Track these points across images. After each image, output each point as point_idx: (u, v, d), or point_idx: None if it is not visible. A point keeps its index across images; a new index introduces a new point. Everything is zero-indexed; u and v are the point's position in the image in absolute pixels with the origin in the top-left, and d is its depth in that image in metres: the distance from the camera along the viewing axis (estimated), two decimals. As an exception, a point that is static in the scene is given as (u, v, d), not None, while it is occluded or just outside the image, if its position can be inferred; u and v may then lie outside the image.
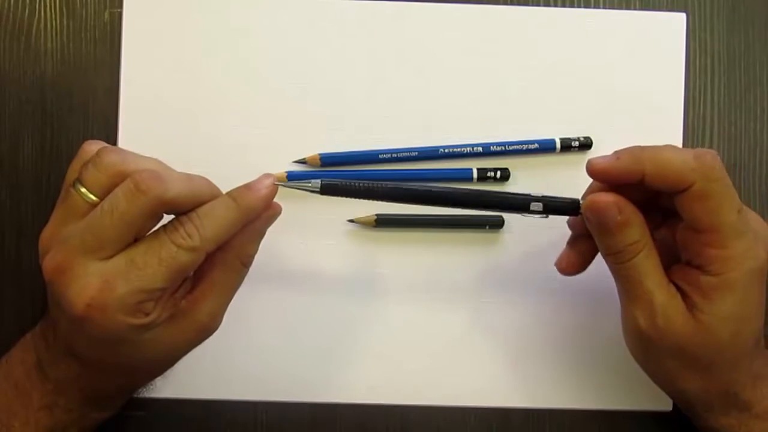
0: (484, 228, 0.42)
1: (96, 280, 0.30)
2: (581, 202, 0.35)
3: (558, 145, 0.42)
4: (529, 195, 0.35)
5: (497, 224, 0.42)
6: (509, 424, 0.42)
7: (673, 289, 0.34)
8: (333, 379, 0.42)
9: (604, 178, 0.34)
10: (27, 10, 0.42)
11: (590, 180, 0.36)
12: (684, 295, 0.33)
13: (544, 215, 0.35)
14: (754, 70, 0.44)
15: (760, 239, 0.33)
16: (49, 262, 0.31)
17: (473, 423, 0.42)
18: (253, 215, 0.33)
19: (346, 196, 0.35)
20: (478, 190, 0.35)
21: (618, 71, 0.43)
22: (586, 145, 0.42)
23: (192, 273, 0.35)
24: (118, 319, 0.31)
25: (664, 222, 0.36)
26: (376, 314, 0.42)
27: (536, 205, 0.35)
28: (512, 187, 0.43)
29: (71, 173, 0.34)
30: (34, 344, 0.36)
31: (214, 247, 0.32)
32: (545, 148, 0.42)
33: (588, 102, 0.43)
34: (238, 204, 0.33)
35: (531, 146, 0.42)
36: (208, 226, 0.32)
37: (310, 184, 0.34)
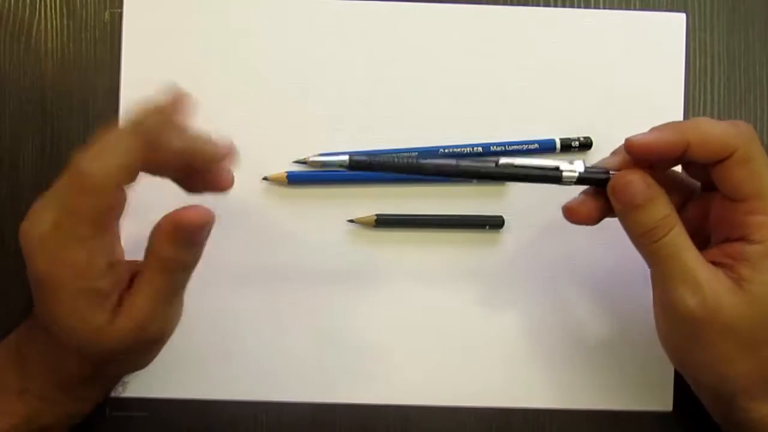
0: (484, 228, 0.42)
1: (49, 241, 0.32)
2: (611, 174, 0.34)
3: (558, 145, 0.42)
4: (558, 169, 0.34)
5: (497, 224, 0.42)
6: (509, 424, 0.42)
7: (711, 265, 0.33)
8: (333, 379, 0.42)
9: (648, 153, 0.33)
10: (27, 10, 0.42)
11: None
12: (729, 271, 0.33)
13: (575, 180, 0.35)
14: (754, 71, 0.44)
15: None
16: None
17: (473, 423, 0.42)
18: (153, 136, 0.32)
19: (375, 171, 0.34)
20: (505, 167, 0.35)
21: (618, 71, 0.43)
22: (586, 145, 0.42)
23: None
24: (69, 275, 0.31)
25: (681, 210, 0.36)
26: (376, 314, 0.42)
27: (570, 175, 0.34)
28: (512, 186, 0.42)
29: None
30: (17, 331, 0.36)
31: (122, 176, 0.31)
32: (545, 148, 0.42)
33: (588, 102, 0.43)
34: (135, 129, 0.32)
35: (531, 146, 0.42)
36: (108, 152, 0.31)
37: (338, 160, 0.34)
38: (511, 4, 0.43)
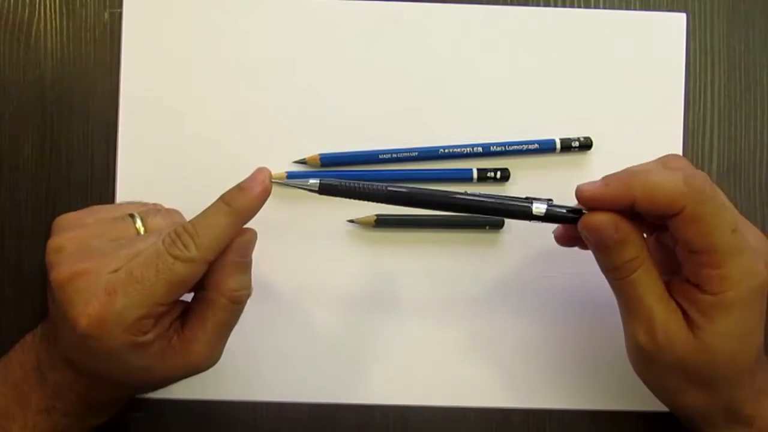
0: (484, 228, 0.42)
1: (101, 292, 0.31)
2: (584, 212, 0.34)
3: (558, 146, 0.42)
4: (528, 200, 0.35)
5: (497, 225, 0.42)
6: (509, 424, 0.42)
7: (673, 304, 0.33)
8: (333, 379, 0.42)
9: (594, 205, 0.33)
10: (27, 10, 0.42)
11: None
12: (684, 312, 0.33)
13: (544, 221, 0.35)
14: (754, 71, 0.44)
15: (760, 256, 0.33)
16: (65, 269, 0.32)
17: (473, 423, 0.42)
18: (249, 216, 0.33)
19: (344, 197, 0.34)
20: (478, 196, 0.35)
21: (618, 71, 0.43)
22: (586, 145, 0.42)
23: (182, 312, 0.35)
24: (116, 334, 0.31)
25: (664, 228, 0.36)
26: (376, 314, 0.42)
27: (538, 210, 0.34)
28: (512, 187, 0.43)
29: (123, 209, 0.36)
30: (34, 346, 0.35)
31: (213, 256, 0.32)
32: (545, 148, 0.42)
33: (588, 102, 0.43)
34: (232, 207, 0.32)
35: (531, 146, 0.42)
36: (204, 235, 0.32)
37: (308, 184, 0.34)
38: (511, 4, 0.43)
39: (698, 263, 0.32)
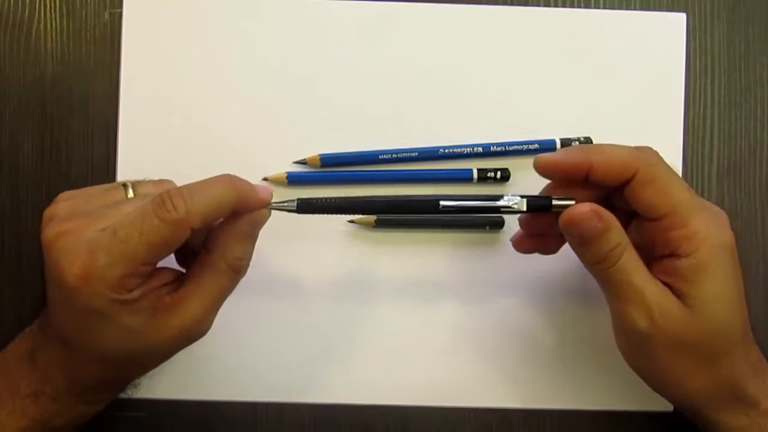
0: (485, 228, 0.42)
1: (83, 250, 0.31)
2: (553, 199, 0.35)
3: (558, 145, 0.42)
4: (500, 194, 0.35)
5: (497, 225, 0.42)
6: (509, 424, 0.42)
7: (660, 283, 0.34)
8: (333, 379, 0.42)
9: (554, 171, 0.35)
10: (27, 11, 0.42)
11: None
12: (670, 288, 0.34)
13: (524, 211, 0.35)
14: (754, 71, 0.44)
15: (721, 218, 0.34)
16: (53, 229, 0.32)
17: (473, 423, 0.42)
18: (243, 206, 0.33)
19: (323, 213, 0.35)
20: (452, 197, 0.35)
21: (618, 71, 0.43)
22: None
23: (183, 269, 0.35)
24: (100, 291, 0.31)
25: (627, 225, 0.37)
26: (376, 314, 0.42)
27: (513, 201, 0.35)
28: (512, 187, 0.43)
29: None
30: (31, 334, 0.36)
31: (200, 224, 0.32)
32: (545, 148, 0.42)
33: (588, 102, 0.43)
34: (236, 188, 0.33)
35: (531, 146, 0.42)
36: (197, 200, 0.31)
37: (286, 204, 0.35)
38: (511, 4, 0.43)
39: (665, 229, 0.33)
